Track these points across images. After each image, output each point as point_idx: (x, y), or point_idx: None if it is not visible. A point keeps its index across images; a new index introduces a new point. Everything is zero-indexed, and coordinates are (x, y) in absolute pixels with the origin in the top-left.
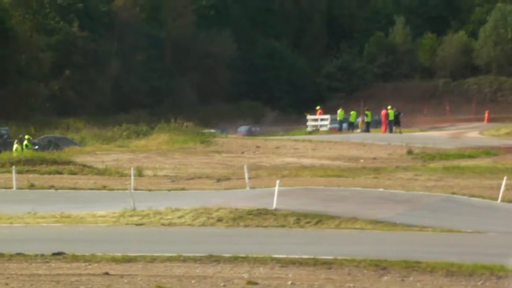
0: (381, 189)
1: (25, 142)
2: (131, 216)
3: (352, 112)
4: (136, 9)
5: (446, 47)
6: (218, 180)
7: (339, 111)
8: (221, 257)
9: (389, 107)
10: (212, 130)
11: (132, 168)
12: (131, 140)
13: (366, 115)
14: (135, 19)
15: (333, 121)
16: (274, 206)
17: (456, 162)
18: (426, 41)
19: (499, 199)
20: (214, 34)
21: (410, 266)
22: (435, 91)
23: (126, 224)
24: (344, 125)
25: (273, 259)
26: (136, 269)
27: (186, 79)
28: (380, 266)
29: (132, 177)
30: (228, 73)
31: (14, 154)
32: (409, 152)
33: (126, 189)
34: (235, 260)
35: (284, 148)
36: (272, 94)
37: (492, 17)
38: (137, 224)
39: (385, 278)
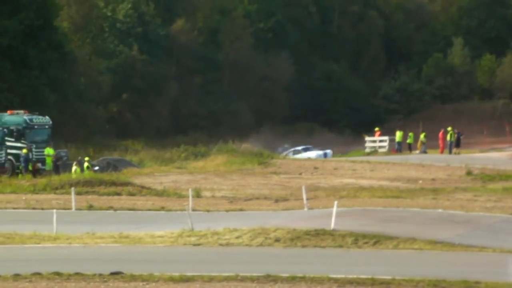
0: (440, 210)
1: (86, 164)
2: (189, 236)
3: (410, 134)
4: (194, 32)
5: (506, 68)
6: (276, 201)
7: (398, 133)
8: (278, 277)
9: (449, 128)
10: (288, 149)
11: (190, 189)
12: (189, 161)
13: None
14: (193, 42)
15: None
16: (332, 226)
17: None
18: (485, 62)
19: None
20: (272, 57)
21: (469, 287)
22: (494, 112)
23: (184, 244)
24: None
25: (330, 279)
26: None
27: (243, 102)
28: (439, 287)
29: (190, 198)
30: (286, 95)
31: (73, 176)
32: (468, 173)
33: (184, 210)
34: (292, 280)
35: (342, 169)
36: (330, 116)
37: None
38: (195, 245)
39: None
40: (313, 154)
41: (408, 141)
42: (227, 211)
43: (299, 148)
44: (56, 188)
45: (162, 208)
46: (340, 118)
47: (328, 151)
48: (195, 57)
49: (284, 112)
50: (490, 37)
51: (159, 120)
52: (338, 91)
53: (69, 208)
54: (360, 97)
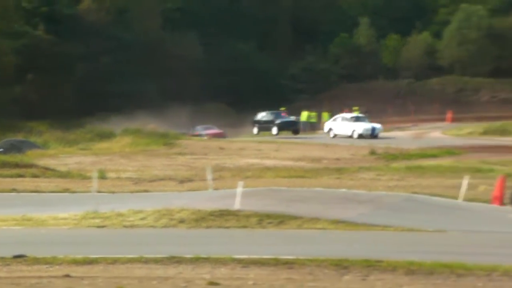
0: (343, 190)
1: None
2: (93, 218)
3: (313, 113)
4: (101, 12)
5: (411, 48)
6: (181, 181)
7: (303, 113)
8: (182, 258)
9: (355, 107)
10: None
11: (94, 171)
12: (94, 143)
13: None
14: (101, 22)
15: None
16: (237, 207)
17: (418, 162)
18: (391, 42)
19: (460, 198)
20: (180, 36)
21: (371, 265)
22: (399, 92)
23: (88, 226)
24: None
25: (234, 259)
26: (97, 270)
27: (153, 82)
28: (341, 266)
29: (95, 180)
30: (195, 75)
31: None
32: (372, 153)
33: (89, 192)
34: (196, 261)
35: (247, 149)
36: (239, 96)
37: (456, 18)
38: (98, 226)
39: (346, 277)
40: (360, 127)
41: (312, 120)
42: (131, 192)
43: (348, 116)
44: None
45: (66, 190)
46: (249, 99)
47: (378, 126)
48: (103, 37)
49: (194, 92)
50: (396, 17)
51: (65, 100)
52: (246, 71)
53: None
54: (268, 77)
